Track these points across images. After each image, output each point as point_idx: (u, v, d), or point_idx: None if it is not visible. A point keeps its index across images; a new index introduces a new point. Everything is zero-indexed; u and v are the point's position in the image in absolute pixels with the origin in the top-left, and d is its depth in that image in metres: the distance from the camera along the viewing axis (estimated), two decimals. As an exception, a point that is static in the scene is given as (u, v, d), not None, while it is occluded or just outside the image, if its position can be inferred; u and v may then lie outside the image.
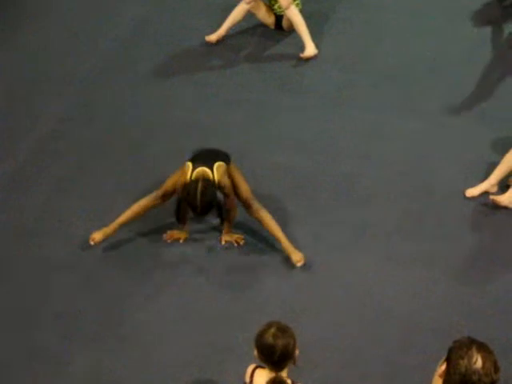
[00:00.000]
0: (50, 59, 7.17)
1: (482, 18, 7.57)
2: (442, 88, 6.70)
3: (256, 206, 5.22)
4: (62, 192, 5.78)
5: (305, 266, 5.14)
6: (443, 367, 3.04)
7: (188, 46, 7.29)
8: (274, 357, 3.44)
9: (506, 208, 5.45)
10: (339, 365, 4.58)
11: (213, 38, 7.28)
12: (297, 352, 3.50)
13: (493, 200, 5.47)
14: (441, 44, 7.24)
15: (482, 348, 3.02)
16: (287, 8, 7.11)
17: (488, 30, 7.40)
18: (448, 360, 3.04)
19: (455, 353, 3.02)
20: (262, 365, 3.51)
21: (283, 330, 3.47)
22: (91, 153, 6.13)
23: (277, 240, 5.21)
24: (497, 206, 5.46)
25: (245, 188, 5.25)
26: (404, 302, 4.91)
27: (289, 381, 3.48)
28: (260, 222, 5.24)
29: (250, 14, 7.33)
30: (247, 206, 5.24)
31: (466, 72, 6.86)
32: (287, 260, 5.17)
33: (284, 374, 3.49)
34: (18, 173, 5.96)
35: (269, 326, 3.49)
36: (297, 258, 5.12)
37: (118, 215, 5.28)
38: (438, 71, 6.89)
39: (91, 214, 5.56)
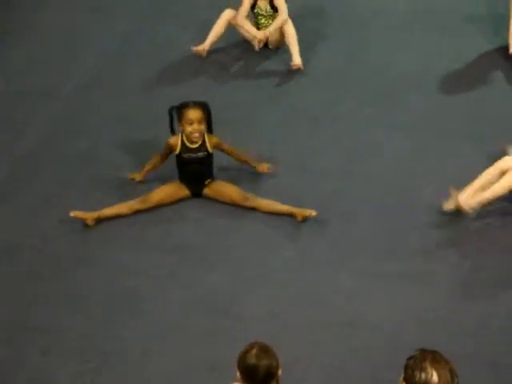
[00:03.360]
0: (36, 73, 7.18)
1: (468, 32, 7.62)
2: (427, 104, 6.73)
3: (250, 198, 5.65)
4: (46, 207, 5.75)
5: (289, 283, 5.14)
6: None
7: (174, 61, 7.32)
8: (257, 378, 3.42)
9: (491, 224, 5.48)
10: (324, 381, 4.55)
11: (200, 48, 7.32)
12: (280, 372, 3.48)
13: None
14: (426, 59, 7.30)
15: (436, 360, 3.07)
16: (285, 24, 7.19)
17: (474, 45, 7.44)
18: (405, 379, 3.07)
19: (411, 370, 3.07)
20: None
21: (265, 350, 3.46)
22: (76, 168, 6.11)
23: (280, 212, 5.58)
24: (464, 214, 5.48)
25: (234, 191, 5.67)
26: (389, 318, 4.90)
27: None
28: (258, 208, 5.62)
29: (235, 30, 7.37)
30: (242, 204, 5.64)
31: (452, 87, 6.91)
32: (270, 278, 5.19)
33: None
34: (1, 187, 5.93)
35: (251, 346, 3.48)
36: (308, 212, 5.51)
37: (103, 232, 5.41)
38: (424, 87, 6.93)
39: (75, 229, 5.54)
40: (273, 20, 7.31)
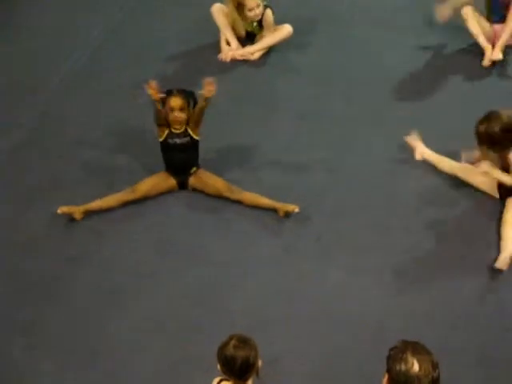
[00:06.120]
0: (24, 67, 7.17)
1: (457, 30, 7.62)
2: (414, 102, 6.72)
3: (234, 190, 5.64)
4: (32, 203, 5.73)
5: (274, 278, 5.14)
6: (386, 378, 3.09)
7: (157, 58, 7.30)
8: (235, 368, 3.44)
9: (478, 218, 5.50)
10: (310, 375, 4.55)
11: (228, 53, 7.24)
12: (260, 363, 3.50)
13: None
14: (414, 56, 7.28)
15: (417, 350, 3.10)
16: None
17: (463, 41, 7.44)
18: (388, 370, 3.08)
19: (393, 362, 3.08)
20: (227, 378, 3.50)
21: (243, 341, 3.50)
22: (62, 164, 6.10)
23: (263, 206, 5.55)
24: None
25: (219, 182, 5.67)
26: (374, 313, 4.90)
27: None
28: (242, 201, 5.60)
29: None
30: (227, 196, 5.64)
31: (439, 86, 6.89)
32: (255, 272, 5.19)
33: None
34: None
35: (230, 338, 3.52)
36: (290, 207, 5.48)
37: (90, 228, 5.42)
38: (411, 84, 6.92)
39: (61, 225, 5.52)
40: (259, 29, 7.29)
